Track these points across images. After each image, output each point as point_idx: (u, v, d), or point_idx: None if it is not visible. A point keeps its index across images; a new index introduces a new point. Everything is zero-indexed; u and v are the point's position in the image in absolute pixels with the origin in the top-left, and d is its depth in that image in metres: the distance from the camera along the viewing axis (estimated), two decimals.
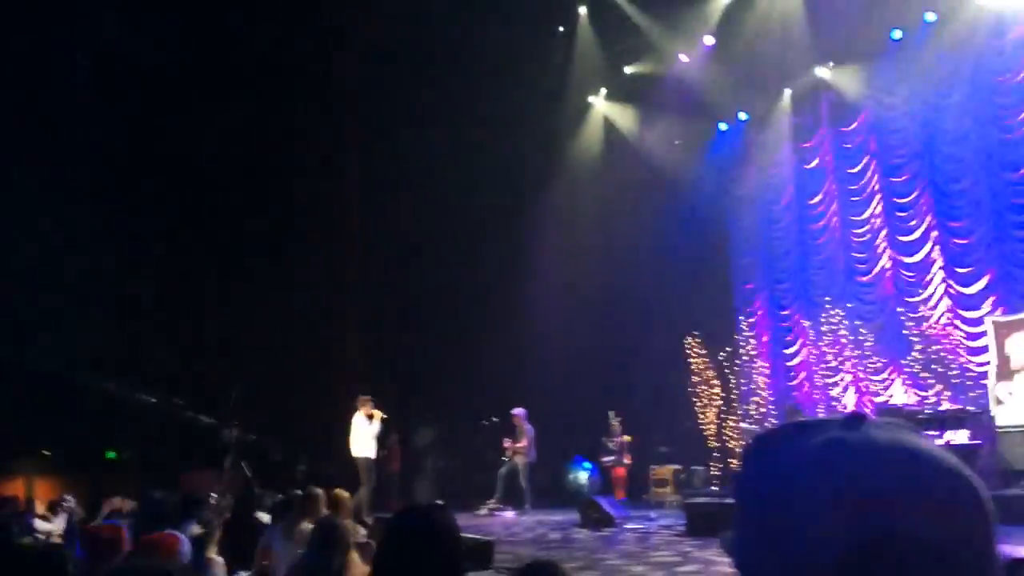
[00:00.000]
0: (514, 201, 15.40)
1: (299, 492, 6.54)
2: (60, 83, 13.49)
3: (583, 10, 14.83)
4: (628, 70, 15.55)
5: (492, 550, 7.59)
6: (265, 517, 7.04)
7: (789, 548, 0.64)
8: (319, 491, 5.96)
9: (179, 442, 13.50)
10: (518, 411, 13.65)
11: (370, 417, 12.23)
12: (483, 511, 13.00)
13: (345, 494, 6.54)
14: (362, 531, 6.52)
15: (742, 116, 15.80)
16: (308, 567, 4.15)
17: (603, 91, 16.33)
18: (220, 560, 5.09)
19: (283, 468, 12.35)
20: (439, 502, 10.29)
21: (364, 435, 12.20)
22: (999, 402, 11.39)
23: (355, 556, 4.16)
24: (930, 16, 12.60)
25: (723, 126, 16.10)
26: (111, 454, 15.76)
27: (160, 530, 4.36)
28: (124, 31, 13.44)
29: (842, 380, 14.04)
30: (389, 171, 15.23)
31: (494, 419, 13.00)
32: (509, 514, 12.94)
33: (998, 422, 10.65)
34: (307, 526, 5.30)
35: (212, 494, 9.58)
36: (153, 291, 14.04)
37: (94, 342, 13.79)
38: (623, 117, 16.32)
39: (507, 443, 13.46)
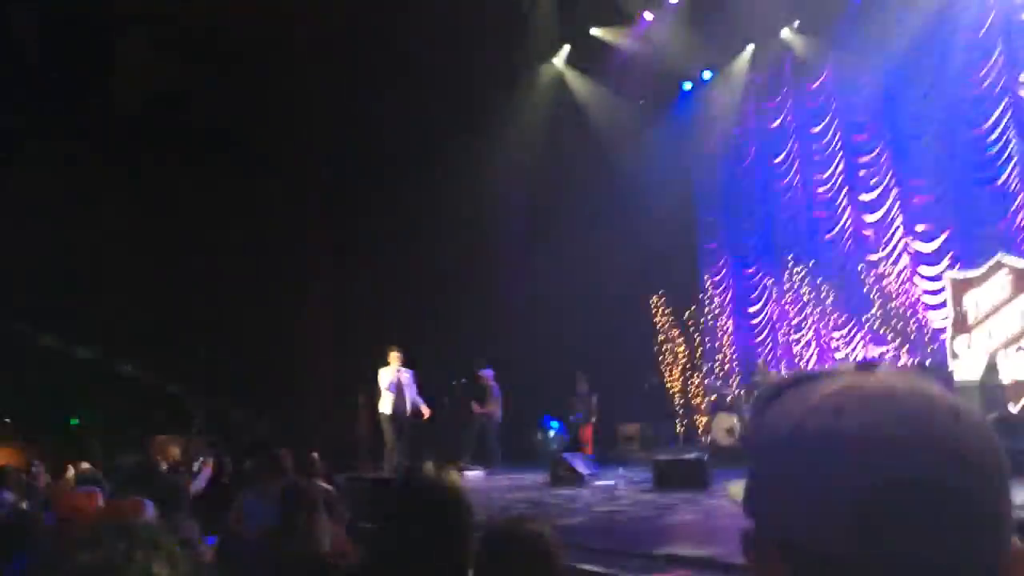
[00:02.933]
0: (477, 158, 15.31)
1: (269, 454, 6.53)
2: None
3: None
4: (593, 30, 15.40)
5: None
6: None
7: (805, 492, 0.65)
8: (285, 452, 5.95)
9: (144, 407, 13.40)
10: (486, 372, 13.72)
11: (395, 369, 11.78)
12: (454, 470, 13.10)
13: (314, 454, 6.54)
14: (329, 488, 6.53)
15: (706, 75, 15.79)
16: (275, 528, 4.16)
17: (566, 49, 16.18)
18: (193, 523, 5.08)
19: (250, 431, 12.30)
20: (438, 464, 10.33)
21: (382, 389, 11.88)
22: (955, 356, 11.68)
23: (323, 516, 4.17)
24: None
25: (687, 85, 16.09)
26: (74, 420, 15.60)
27: (127, 496, 4.34)
28: None
29: (804, 337, 14.27)
30: (350, 131, 15.03)
31: (462, 380, 13.06)
32: (478, 473, 13.05)
33: (955, 376, 10.90)
34: (276, 487, 5.30)
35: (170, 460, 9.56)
36: (119, 257, 13.81)
37: (58, 308, 13.58)
38: (587, 76, 16.21)
39: (475, 404, 13.53)
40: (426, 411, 12.13)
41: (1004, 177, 11.42)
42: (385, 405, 11.70)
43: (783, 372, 14.18)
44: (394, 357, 11.79)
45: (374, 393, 15.43)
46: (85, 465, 8.72)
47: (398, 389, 11.72)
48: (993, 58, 11.53)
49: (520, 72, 15.65)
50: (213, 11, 12.89)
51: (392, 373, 11.74)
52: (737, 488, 0.74)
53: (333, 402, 15.84)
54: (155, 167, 13.90)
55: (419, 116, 14.54)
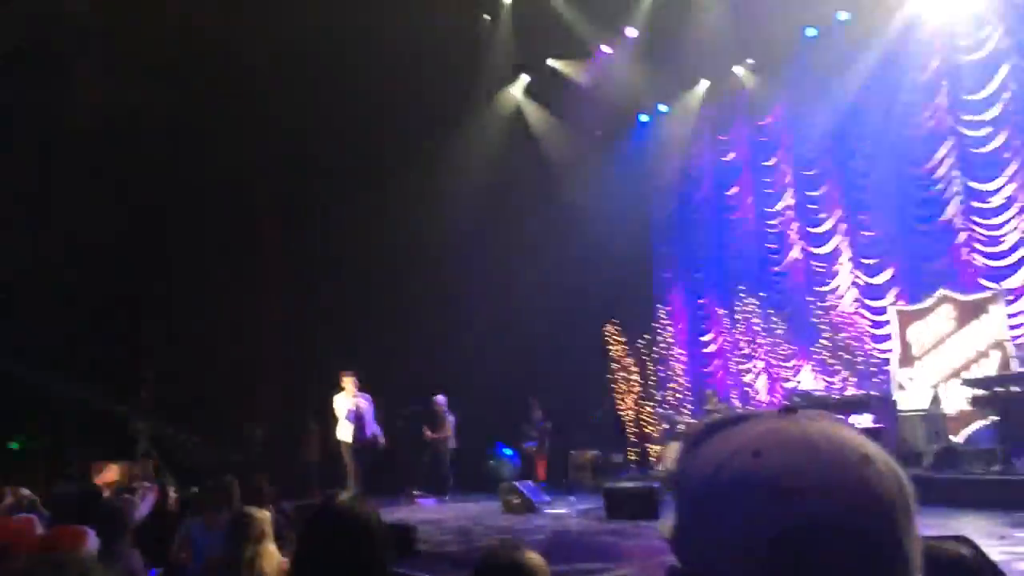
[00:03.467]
0: (432, 185, 15.33)
1: (216, 481, 6.40)
2: None
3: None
4: (550, 61, 15.58)
5: (414, 536, 7.59)
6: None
7: (724, 532, 0.67)
8: (234, 480, 5.84)
9: (88, 432, 13.05)
10: (439, 398, 13.66)
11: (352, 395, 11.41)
12: (405, 498, 12.97)
13: (263, 482, 6.41)
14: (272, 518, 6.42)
15: (662, 108, 16.06)
16: (222, 559, 4.08)
17: (524, 78, 16.33)
18: (136, 552, 4.96)
19: (196, 457, 12.03)
20: (358, 494, 10.20)
21: (340, 417, 11.46)
22: (900, 387, 11.93)
23: (270, 546, 4.11)
24: (843, 15, 13.02)
25: (644, 117, 16.34)
26: (14, 444, 15.14)
27: (68, 524, 4.23)
28: None
29: (755, 367, 14.47)
30: (302, 156, 14.94)
31: (415, 408, 12.97)
32: (430, 501, 12.95)
33: (899, 406, 11.14)
34: (225, 516, 5.19)
35: (114, 486, 9.31)
36: (62, 275, 13.49)
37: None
38: (544, 106, 16.36)
39: (427, 431, 13.45)
40: (382, 441, 11.90)
41: (948, 214, 11.77)
42: (344, 433, 11.33)
43: (734, 401, 14.35)
44: (348, 382, 11.42)
45: (325, 419, 15.23)
46: (24, 491, 8.45)
47: (357, 417, 11.37)
48: (937, 99, 11.92)
49: (477, 100, 15.72)
50: (171, 33, 12.78)
51: (349, 400, 11.39)
52: (666, 525, 0.75)
53: (283, 428, 15.60)
54: (105, 182, 13.64)
55: (372, 141, 14.51)
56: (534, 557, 2.10)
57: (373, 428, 11.59)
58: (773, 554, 0.65)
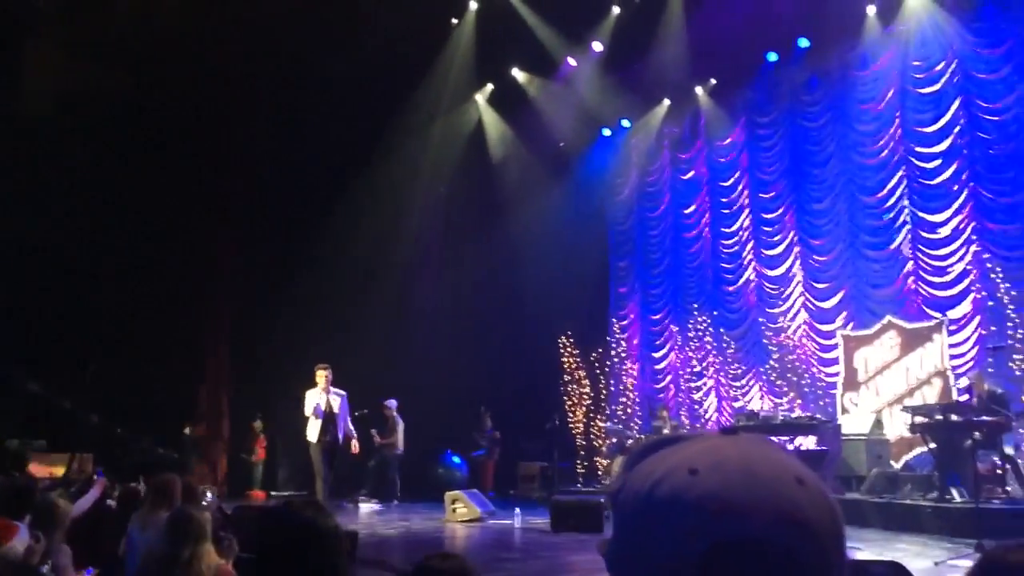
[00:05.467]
0: (388, 190, 15.26)
1: (156, 480, 6.28)
2: None
3: (473, 5, 14.73)
4: (515, 71, 15.61)
5: (356, 541, 7.52)
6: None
7: (656, 547, 0.68)
8: (175, 478, 5.74)
9: (29, 425, 12.73)
10: (390, 403, 13.59)
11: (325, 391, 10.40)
12: (350, 502, 12.85)
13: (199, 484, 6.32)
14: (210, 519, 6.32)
15: (625, 123, 16.19)
16: (159, 558, 4.01)
17: (489, 88, 16.35)
18: (67, 548, 4.85)
19: (136, 454, 11.79)
20: (312, 499, 10.06)
21: (307, 414, 10.38)
22: (845, 411, 12.15)
23: (209, 547, 4.05)
24: (803, 42, 13.27)
25: (607, 131, 16.45)
26: None
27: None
28: None
29: (705, 384, 14.62)
30: (258, 157, 14.78)
31: (364, 411, 12.85)
32: (375, 506, 12.86)
33: (843, 430, 11.33)
34: (163, 515, 5.10)
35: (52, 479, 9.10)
36: (4, 263, 13.16)
37: None
38: (507, 116, 16.36)
39: (376, 435, 13.36)
40: (355, 445, 10.88)
41: (897, 243, 12.03)
42: (311, 432, 10.30)
43: (683, 419, 14.48)
44: (321, 376, 10.40)
45: (270, 419, 15.03)
46: None
47: (327, 414, 10.32)
48: (892, 129, 12.20)
49: (438, 108, 15.69)
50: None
51: (319, 396, 10.38)
52: (604, 541, 0.76)
53: (231, 428, 15.39)
54: (61, 171, 13.35)
55: (329, 145, 14.40)
56: (468, 567, 2.09)
57: (345, 425, 10.62)
58: (701, 571, 0.65)
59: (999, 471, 8.85)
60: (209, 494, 6.90)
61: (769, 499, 0.67)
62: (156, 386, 13.50)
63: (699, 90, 14.83)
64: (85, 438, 11.77)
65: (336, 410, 10.42)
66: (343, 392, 10.63)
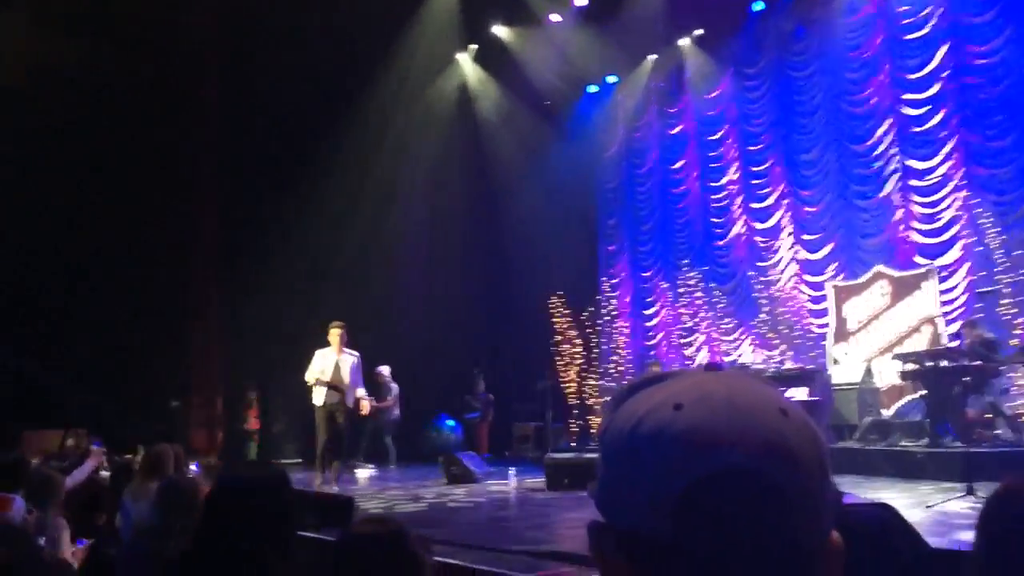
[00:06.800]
0: (377, 152, 15.11)
1: (148, 451, 6.27)
2: None
3: None
4: (496, 28, 15.39)
5: (352, 507, 7.54)
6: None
7: (640, 482, 0.68)
8: (168, 449, 5.73)
9: (19, 398, 12.69)
10: (381, 369, 13.58)
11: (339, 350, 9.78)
12: (346, 469, 12.89)
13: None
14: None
15: (610, 79, 16.02)
16: (151, 529, 4.00)
17: (472, 47, 16.14)
18: (63, 521, 4.85)
19: (132, 427, 11.77)
20: (270, 461, 9.95)
21: (314, 375, 9.73)
22: (835, 362, 12.20)
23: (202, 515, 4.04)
24: None
25: (592, 88, 16.28)
26: None
27: None
28: None
29: (696, 340, 14.64)
30: (241, 123, 14.58)
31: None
32: (371, 471, 12.91)
33: (834, 380, 11.39)
34: (155, 486, 5.10)
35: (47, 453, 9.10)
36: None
37: None
38: (492, 74, 16.19)
39: (372, 402, 13.35)
40: (365, 406, 10.18)
41: (886, 191, 11.99)
42: (317, 395, 9.71)
43: None
44: (334, 335, 9.76)
45: (264, 388, 15.00)
46: None
47: (335, 376, 9.72)
48: (880, 76, 12.09)
49: (420, 67, 15.48)
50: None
51: (329, 357, 9.77)
52: (593, 483, 0.76)
53: (224, 398, 15.40)
54: (33, 141, 13.16)
55: (309, 107, 14.23)
56: (401, 530, 2.05)
57: (356, 387, 9.95)
58: (684, 502, 0.65)
59: (987, 416, 8.91)
60: (194, 465, 6.88)
61: (753, 430, 0.67)
62: (144, 358, 13.47)
63: (685, 42, 14.65)
64: (78, 413, 11.77)
65: (346, 372, 9.80)
66: (356, 353, 10.02)
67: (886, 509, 2.01)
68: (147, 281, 13.80)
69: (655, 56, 15.15)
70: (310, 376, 9.78)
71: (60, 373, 12.79)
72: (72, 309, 13.43)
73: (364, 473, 12.80)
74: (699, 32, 14.45)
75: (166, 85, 14.02)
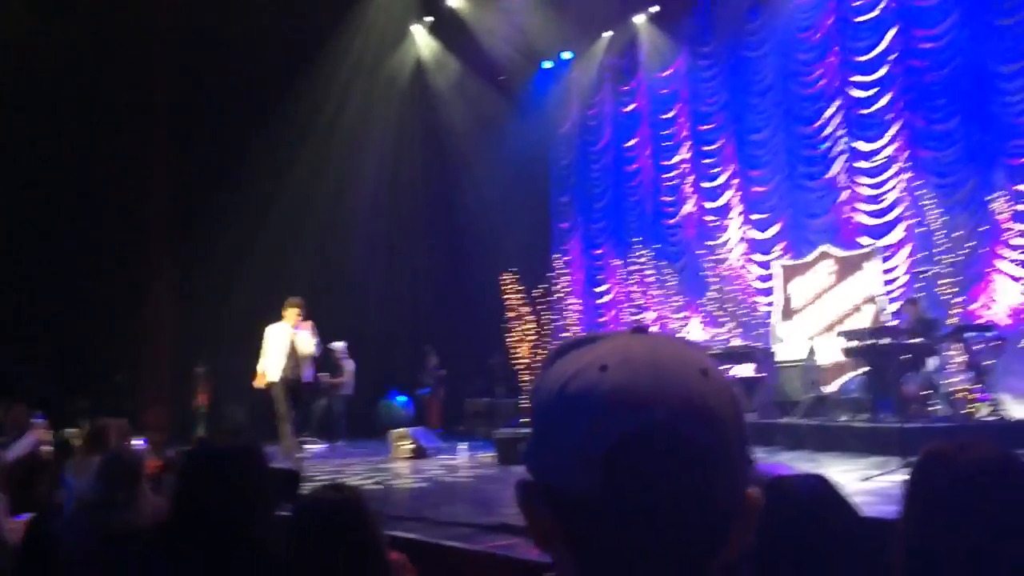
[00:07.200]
0: (333, 125, 14.92)
1: (91, 424, 6.17)
2: None
3: None
4: (450, 1, 15.24)
5: (298, 481, 7.50)
6: None
7: (566, 441, 0.69)
8: (109, 423, 5.64)
9: None
10: (335, 345, 13.48)
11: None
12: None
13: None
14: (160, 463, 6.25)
15: (565, 55, 15.98)
16: (93, 502, 3.94)
17: (428, 20, 15.97)
18: (1, 496, 4.75)
19: (74, 402, 11.54)
20: (236, 432, 9.84)
21: (272, 351, 9.40)
22: (780, 340, 12.42)
23: (145, 489, 3.99)
24: None
25: (547, 64, 16.23)
26: None
27: None
28: None
29: (646, 318, 14.78)
30: (196, 92, 14.29)
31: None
32: (320, 446, 12.85)
33: (778, 357, 11.60)
34: (97, 460, 5.02)
35: None
36: None
37: None
38: (447, 48, 16.05)
39: (326, 377, 13.25)
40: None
41: (833, 172, 12.19)
42: (273, 371, 9.41)
43: None
44: (291, 313, 9.52)
45: (214, 365, 14.79)
46: None
47: (291, 351, 9.45)
48: (829, 58, 12.25)
49: (375, 39, 15.28)
50: None
51: (283, 331, 9.49)
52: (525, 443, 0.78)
53: (173, 374, 15.16)
54: None
55: (265, 79, 13.98)
56: (358, 497, 2.09)
57: (310, 366, 9.76)
58: (609, 460, 0.67)
59: (924, 392, 9.16)
60: (140, 441, 6.78)
61: (674, 390, 0.68)
62: (93, 332, 13.20)
63: (640, 19, 14.67)
64: (20, 387, 11.50)
65: (302, 346, 9.49)
66: (310, 322, 9.65)
67: (819, 480, 2.06)
68: (96, 254, 13.52)
69: (610, 33, 15.16)
70: (266, 362, 9.46)
71: (2, 346, 12.49)
72: (17, 281, 13.09)
73: (313, 448, 12.73)
74: (655, 9, 14.47)
75: (116, 48, 13.65)
